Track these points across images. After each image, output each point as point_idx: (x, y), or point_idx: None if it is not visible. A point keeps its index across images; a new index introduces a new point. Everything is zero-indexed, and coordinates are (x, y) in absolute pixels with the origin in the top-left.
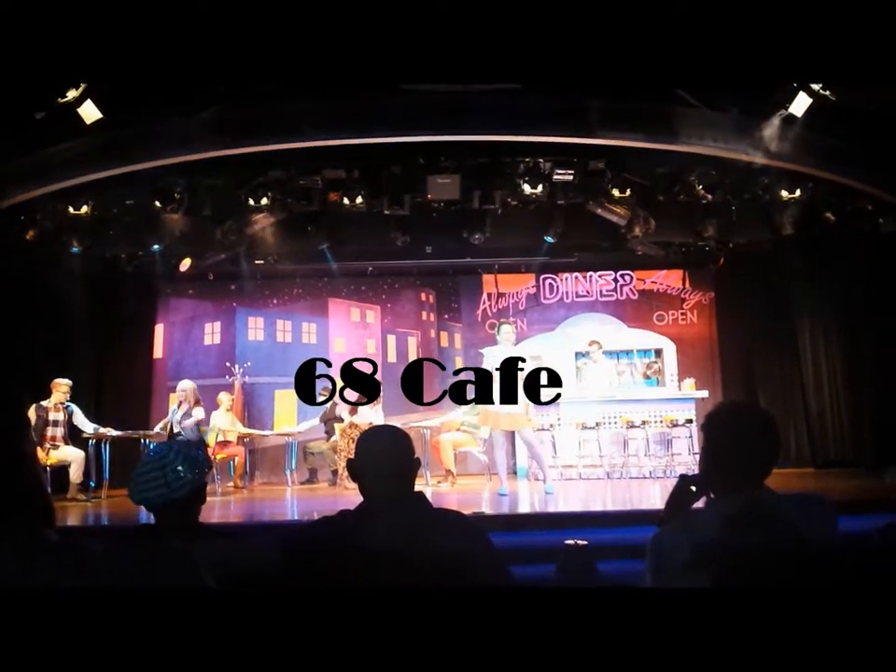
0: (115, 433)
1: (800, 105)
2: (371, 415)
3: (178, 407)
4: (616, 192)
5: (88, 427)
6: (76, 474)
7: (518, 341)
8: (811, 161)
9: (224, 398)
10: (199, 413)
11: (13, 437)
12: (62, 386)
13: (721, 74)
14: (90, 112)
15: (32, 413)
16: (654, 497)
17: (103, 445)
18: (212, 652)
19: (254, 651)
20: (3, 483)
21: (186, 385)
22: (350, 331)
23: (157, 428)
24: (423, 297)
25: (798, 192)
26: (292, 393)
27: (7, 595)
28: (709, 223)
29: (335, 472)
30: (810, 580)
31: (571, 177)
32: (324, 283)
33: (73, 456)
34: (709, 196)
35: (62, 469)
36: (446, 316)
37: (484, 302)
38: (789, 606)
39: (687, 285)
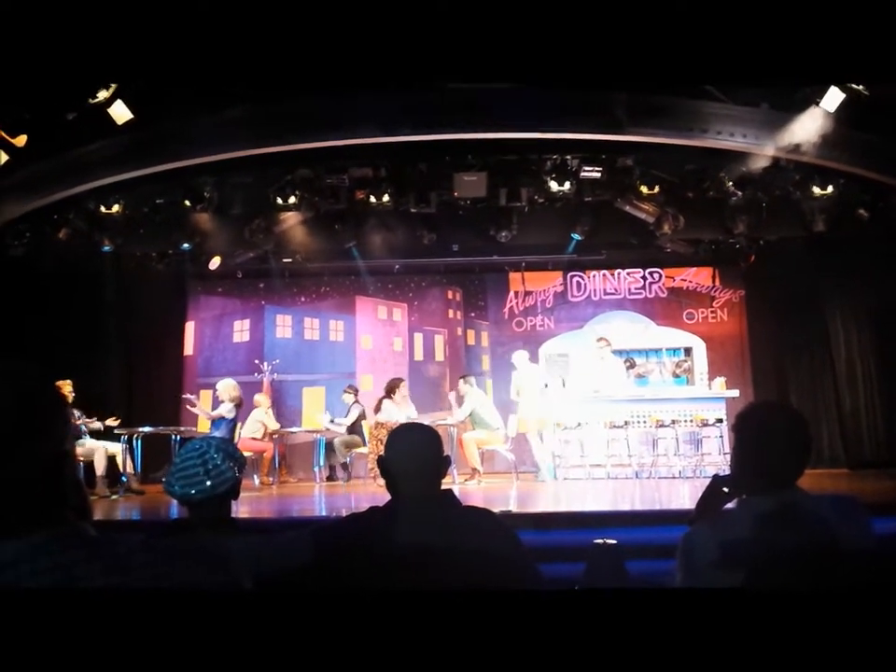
0: (147, 429)
1: (832, 100)
2: (397, 413)
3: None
4: (644, 189)
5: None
6: (100, 468)
7: (545, 338)
8: (843, 157)
9: (263, 398)
10: (225, 409)
11: (57, 433)
12: (66, 386)
13: (753, 69)
14: (120, 112)
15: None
16: (684, 497)
17: (135, 441)
18: (240, 651)
19: (280, 649)
20: (48, 480)
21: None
22: (377, 329)
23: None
24: (450, 295)
25: (830, 188)
26: (320, 390)
27: (39, 594)
28: (740, 220)
29: (344, 466)
30: (843, 582)
31: (599, 174)
32: (351, 281)
33: (95, 450)
34: (739, 193)
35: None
36: (473, 314)
37: (511, 300)
38: (820, 608)
39: (717, 282)
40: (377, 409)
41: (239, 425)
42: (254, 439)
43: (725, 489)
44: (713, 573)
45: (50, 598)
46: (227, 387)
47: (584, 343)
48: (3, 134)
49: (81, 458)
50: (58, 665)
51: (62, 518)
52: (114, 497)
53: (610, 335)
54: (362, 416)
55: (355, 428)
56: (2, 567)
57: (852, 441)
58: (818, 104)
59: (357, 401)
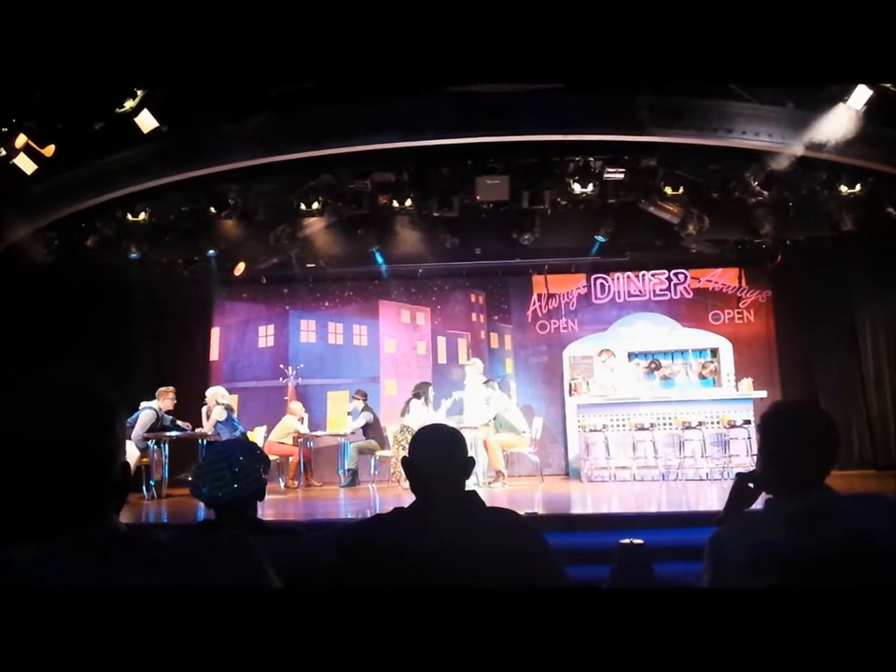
0: (174, 434)
1: (859, 97)
2: (425, 416)
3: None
4: (668, 190)
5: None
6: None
7: (569, 341)
8: (872, 155)
9: (298, 408)
10: (217, 413)
11: (114, 434)
12: (168, 393)
13: (779, 68)
14: (146, 121)
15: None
16: (711, 499)
17: (162, 445)
18: (263, 649)
19: (301, 647)
20: (101, 478)
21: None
22: (401, 333)
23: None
24: (472, 298)
25: (858, 187)
26: (344, 394)
27: (72, 595)
28: (766, 220)
29: (354, 472)
30: (878, 581)
31: (622, 176)
32: (374, 285)
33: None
34: (765, 192)
35: None
36: (496, 318)
37: (534, 303)
38: (855, 607)
39: (743, 283)
40: (404, 411)
41: (264, 428)
42: (282, 443)
43: (751, 484)
44: (742, 575)
45: (84, 597)
46: (214, 395)
47: (609, 346)
48: (32, 144)
49: None
50: (91, 663)
51: (104, 515)
52: (142, 501)
53: (630, 337)
54: (372, 422)
55: (368, 433)
56: (47, 564)
57: (880, 443)
58: (844, 101)
59: (366, 407)
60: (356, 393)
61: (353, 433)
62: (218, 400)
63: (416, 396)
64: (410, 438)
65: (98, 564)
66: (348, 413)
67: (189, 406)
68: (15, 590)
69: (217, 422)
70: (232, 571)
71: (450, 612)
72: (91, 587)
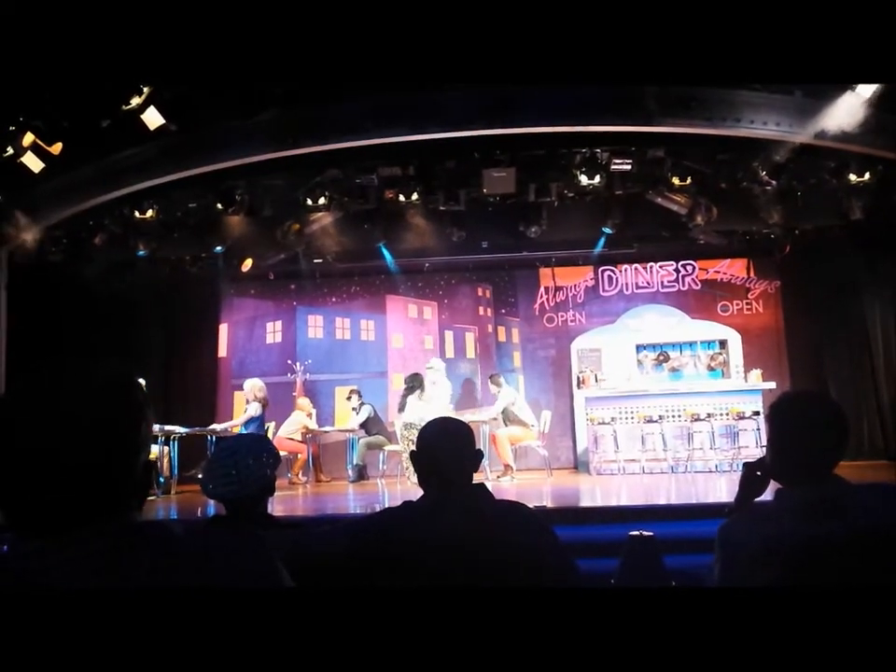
0: (182, 431)
1: (867, 85)
2: (423, 410)
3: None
4: (676, 181)
5: None
6: None
7: (577, 333)
8: (880, 142)
9: (306, 403)
10: (253, 408)
11: (146, 427)
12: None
13: (783, 70)
14: (153, 118)
15: None
16: (720, 491)
17: (171, 442)
18: (274, 648)
19: (314, 645)
20: (129, 472)
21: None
22: (408, 328)
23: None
24: (480, 292)
25: (867, 175)
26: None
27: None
28: (774, 210)
29: (362, 469)
30: (888, 572)
31: (629, 167)
32: (381, 280)
33: None
34: (773, 182)
35: None
36: (503, 311)
37: (542, 296)
38: (869, 603)
39: (752, 274)
40: (401, 408)
41: (273, 424)
42: (291, 439)
43: (759, 472)
44: (753, 565)
45: (98, 594)
46: (253, 387)
47: (617, 338)
48: (39, 143)
49: None
50: (102, 659)
51: (124, 511)
52: (151, 497)
53: (638, 329)
54: (372, 416)
55: (370, 428)
56: (63, 557)
57: (892, 433)
58: (853, 89)
59: (362, 402)
60: (349, 393)
61: (359, 428)
62: (257, 394)
63: (410, 390)
64: (416, 434)
65: (114, 557)
66: (352, 409)
67: (198, 402)
68: (30, 584)
69: (252, 417)
70: (245, 566)
71: (460, 610)
72: (105, 584)
